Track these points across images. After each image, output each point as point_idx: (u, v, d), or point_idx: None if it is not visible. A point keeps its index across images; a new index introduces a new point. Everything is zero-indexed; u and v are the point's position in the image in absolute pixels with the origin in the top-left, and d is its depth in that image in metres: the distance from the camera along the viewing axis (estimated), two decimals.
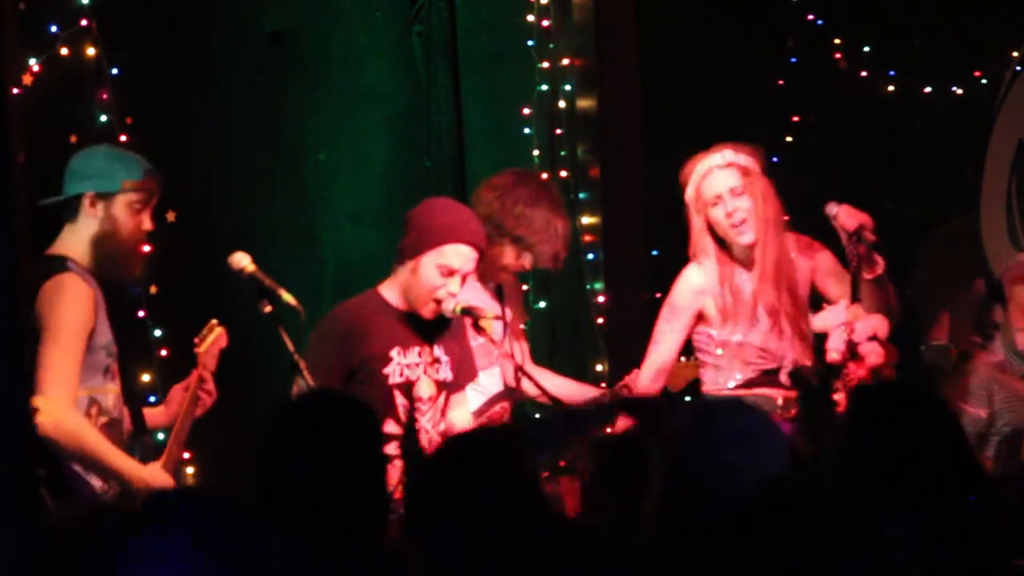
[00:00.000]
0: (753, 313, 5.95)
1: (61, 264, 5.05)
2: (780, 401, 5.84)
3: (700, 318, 6.03)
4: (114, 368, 5.11)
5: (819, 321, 5.71)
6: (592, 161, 7.13)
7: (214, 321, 5.44)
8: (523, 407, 6.26)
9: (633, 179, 7.03)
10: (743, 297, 5.96)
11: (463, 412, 5.73)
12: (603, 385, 6.35)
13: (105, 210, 5.13)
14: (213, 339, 5.38)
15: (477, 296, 5.96)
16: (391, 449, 5.35)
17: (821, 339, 5.79)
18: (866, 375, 5.57)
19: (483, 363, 5.96)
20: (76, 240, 5.13)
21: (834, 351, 5.60)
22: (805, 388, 5.65)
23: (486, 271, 5.99)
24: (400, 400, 5.50)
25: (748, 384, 5.95)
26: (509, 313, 6.01)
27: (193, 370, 5.33)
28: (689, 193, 5.98)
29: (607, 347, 7.00)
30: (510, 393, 6.05)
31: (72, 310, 4.96)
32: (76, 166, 5.20)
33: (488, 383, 5.99)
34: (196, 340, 5.42)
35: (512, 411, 6.12)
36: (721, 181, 5.94)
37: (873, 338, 5.59)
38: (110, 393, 5.09)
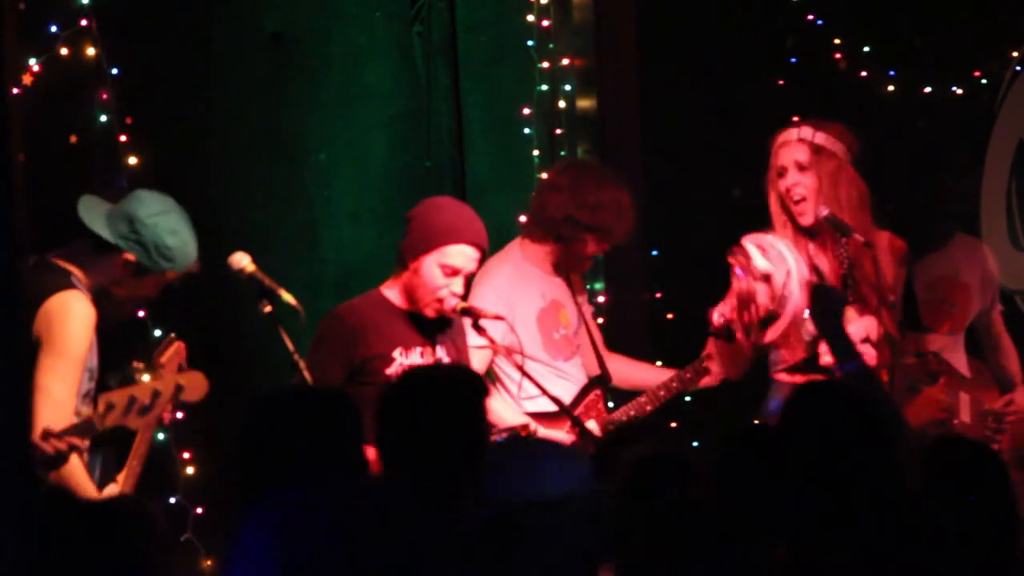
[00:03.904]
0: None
1: (67, 279, 4.90)
2: None
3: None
4: (93, 392, 4.95)
5: (810, 325, 5.67)
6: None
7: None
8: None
9: (633, 179, 7.02)
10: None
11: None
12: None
13: (132, 281, 4.99)
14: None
15: (552, 291, 6.08)
16: None
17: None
18: None
19: (566, 354, 6.00)
20: (87, 265, 4.96)
21: (827, 355, 5.55)
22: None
23: (568, 264, 6.09)
24: None
25: (793, 369, 5.85)
26: (579, 301, 6.20)
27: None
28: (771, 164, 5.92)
29: (607, 347, 6.99)
30: (599, 381, 6.08)
31: (78, 334, 4.81)
32: (139, 218, 4.95)
33: (575, 373, 6.01)
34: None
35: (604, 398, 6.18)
36: (788, 155, 5.88)
37: (866, 340, 5.56)
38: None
